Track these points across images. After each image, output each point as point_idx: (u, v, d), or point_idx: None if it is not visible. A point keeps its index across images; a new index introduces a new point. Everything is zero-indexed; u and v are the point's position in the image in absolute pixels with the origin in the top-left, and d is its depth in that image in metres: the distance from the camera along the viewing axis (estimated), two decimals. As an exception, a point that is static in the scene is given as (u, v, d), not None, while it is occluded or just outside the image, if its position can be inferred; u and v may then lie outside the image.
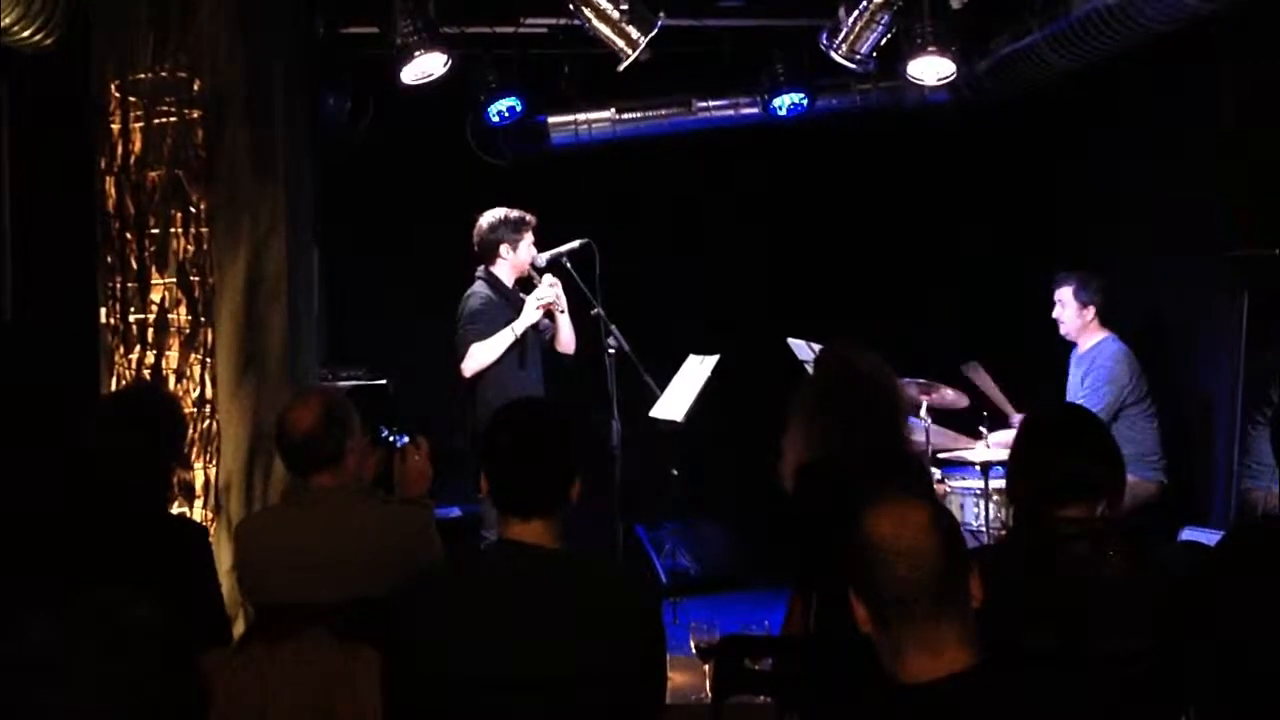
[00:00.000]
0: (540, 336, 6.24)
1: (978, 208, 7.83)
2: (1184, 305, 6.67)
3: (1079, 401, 6.11)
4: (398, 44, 6.03)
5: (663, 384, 6.51)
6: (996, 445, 6.15)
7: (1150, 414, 6.31)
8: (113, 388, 4.91)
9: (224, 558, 4.19)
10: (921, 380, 6.36)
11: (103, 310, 4.98)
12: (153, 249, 4.91)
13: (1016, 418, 6.39)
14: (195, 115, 4.96)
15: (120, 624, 1.64)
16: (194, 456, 4.82)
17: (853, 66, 6.35)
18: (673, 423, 6.39)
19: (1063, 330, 6.48)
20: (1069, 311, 6.42)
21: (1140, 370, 6.31)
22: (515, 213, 6.23)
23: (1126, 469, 5.69)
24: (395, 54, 6.07)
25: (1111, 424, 6.00)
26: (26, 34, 4.80)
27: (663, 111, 7.60)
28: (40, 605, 1.65)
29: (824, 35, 6.40)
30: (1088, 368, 6.35)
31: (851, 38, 6.21)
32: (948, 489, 6.41)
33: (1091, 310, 6.39)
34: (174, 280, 4.92)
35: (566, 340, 6.32)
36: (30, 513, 3.75)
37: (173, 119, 4.92)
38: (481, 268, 6.25)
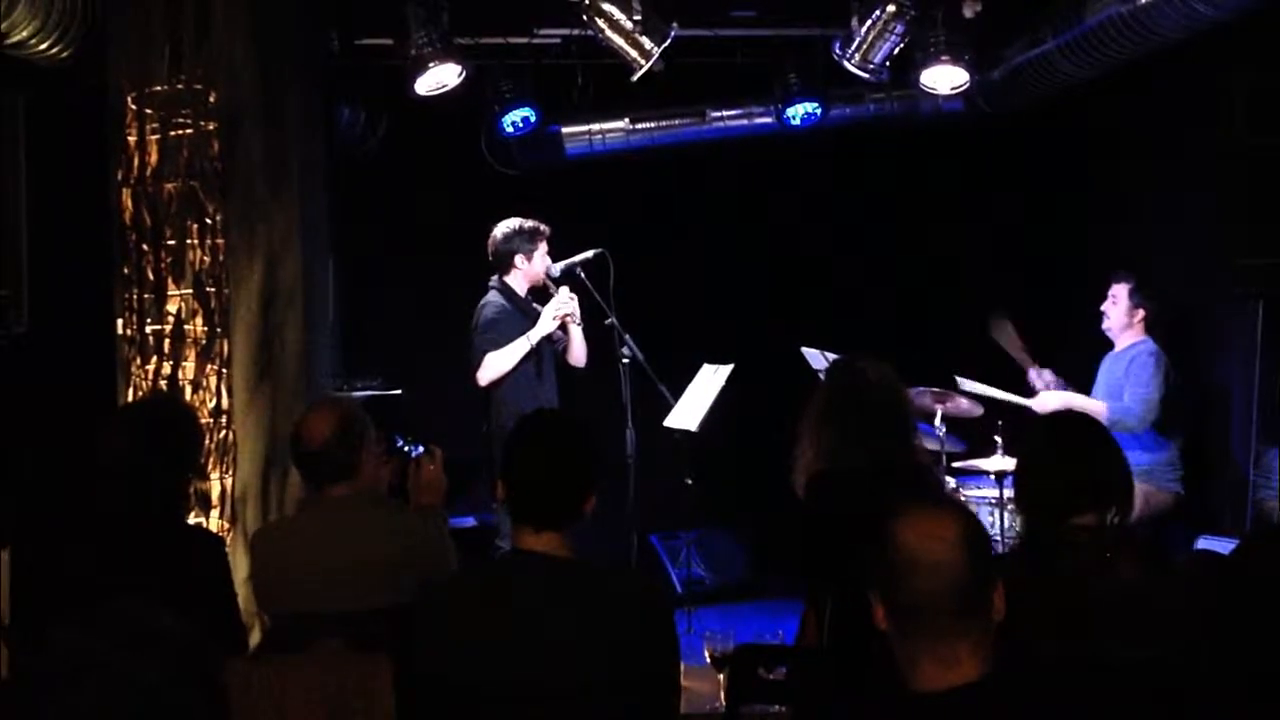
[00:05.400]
0: (553, 348, 6.25)
1: (988, 216, 7.82)
2: (1198, 313, 6.65)
3: (1126, 392, 6.13)
4: (412, 55, 6.06)
5: (677, 393, 6.52)
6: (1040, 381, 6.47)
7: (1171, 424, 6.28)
8: (129, 398, 4.93)
9: (240, 567, 4.20)
10: (936, 389, 6.34)
11: (119, 321, 5.00)
12: (169, 260, 4.93)
13: (1034, 373, 6.52)
14: (211, 127, 4.98)
15: (145, 633, 1.66)
16: (210, 467, 4.84)
17: (866, 76, 6.36)
18: (687, 432, 6.41)
19: (1105, 325, 6.40)
20: (1119, 309, 6.34)
21: (1172, 380, 6.27)
22: (530, 223, 6.23)
23: (1148, 478, 5.81)
24: (410, 65, 6.10)
25: (1152, 423, 6.09)
26: (44, 47, 4.83)
27: (676, 121, 7.62)
28: (65, 614, 1.67)
29: (837, 44, 6.41)
30: (1127, 365, 6.26)
31: (865, 47, 6.21)
32: (963, 498, 6.39)
33: (1141, 313, 6.31)
34: (190, 291, 4.94)
35: (578, 353, 6.32)
36: (48, 523, 3.78)
37: (188, 131, 4.95)
38: (496, 277, 6.26)
